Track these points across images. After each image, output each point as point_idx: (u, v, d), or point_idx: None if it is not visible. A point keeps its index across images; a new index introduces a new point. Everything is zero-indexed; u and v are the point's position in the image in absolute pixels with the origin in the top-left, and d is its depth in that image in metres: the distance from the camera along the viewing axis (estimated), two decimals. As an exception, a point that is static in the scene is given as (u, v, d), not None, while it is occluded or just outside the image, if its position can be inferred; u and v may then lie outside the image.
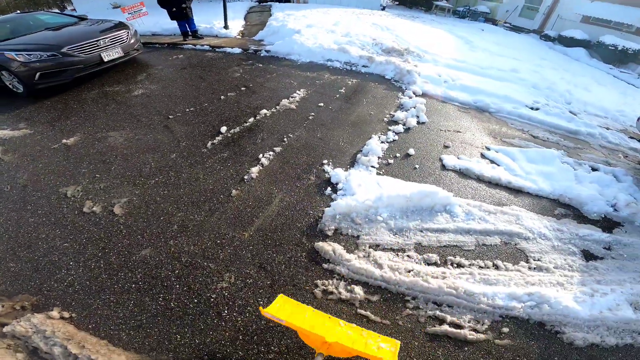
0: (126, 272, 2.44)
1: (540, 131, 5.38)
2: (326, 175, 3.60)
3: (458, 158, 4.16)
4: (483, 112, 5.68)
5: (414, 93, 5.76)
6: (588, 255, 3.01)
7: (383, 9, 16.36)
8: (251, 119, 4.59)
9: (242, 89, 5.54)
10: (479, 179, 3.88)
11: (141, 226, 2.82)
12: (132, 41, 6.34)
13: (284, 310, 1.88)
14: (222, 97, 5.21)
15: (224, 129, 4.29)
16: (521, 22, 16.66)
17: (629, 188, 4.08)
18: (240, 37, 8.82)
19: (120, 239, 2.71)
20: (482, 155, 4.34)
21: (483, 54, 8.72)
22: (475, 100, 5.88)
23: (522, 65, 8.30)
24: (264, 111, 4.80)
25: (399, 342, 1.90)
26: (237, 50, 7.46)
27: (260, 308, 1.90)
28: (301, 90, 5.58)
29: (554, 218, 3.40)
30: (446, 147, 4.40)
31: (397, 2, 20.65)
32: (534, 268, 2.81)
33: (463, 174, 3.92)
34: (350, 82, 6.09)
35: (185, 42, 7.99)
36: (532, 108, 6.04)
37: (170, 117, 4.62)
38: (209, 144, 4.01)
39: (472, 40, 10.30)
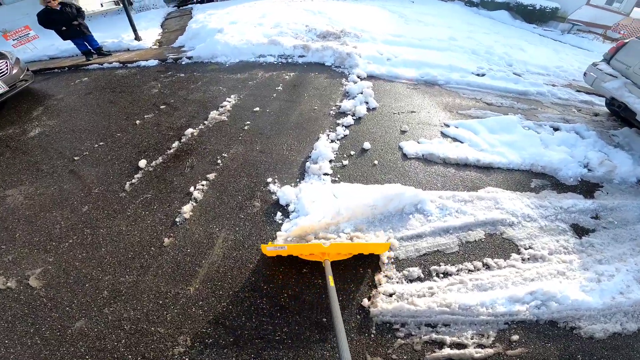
0: (68, 346, 2.11)
1: (493, 97, 5.20)
2: (273, 197, 2.98)
3: (418, 142, 3.74)
4: (432, 86, 5.38)
5: (358, 77, 5.28)
6: (579, 230, 2.76)
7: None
8: (175, 143, 3.79)
9: (162, 107, 4.66)
10: (445, 162, 3.50)
11: (66, 297, 2.38)
12: (16, 71, 5.13)
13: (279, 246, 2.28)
14: (137, 121, 4.31)
15: (143, 162, 3.48)
16: (446, -9, 17.03)
17: (595, 143, 3.96)
18: (157, 46, 7.73)
19: (47, 312, 2.31)
20: (443, 134, 3.98)
21: (418, 26, 8.52)
22: (422, 75, 5.55)
23: (456, 33, 8.23)
24: (190, 130, 4.01)
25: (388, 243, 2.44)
26: (153, 62, 6.44)
27: (262, 245, 2.31)
28: (232, 96, 4.83)
29: (532, 192, 3.14)
30: (403, 132, 3.97)
31: None
32: (528, 259, 2.47)
33: (427, 160, 3.51)
34: (287, 77, 5.45)
35: (89, 63, 6.78)
36: (478, 74, 5.87)
37: (75, 158, 3.70)
38: (127, 185, 3.22)
39: (405, 13, 10.13)
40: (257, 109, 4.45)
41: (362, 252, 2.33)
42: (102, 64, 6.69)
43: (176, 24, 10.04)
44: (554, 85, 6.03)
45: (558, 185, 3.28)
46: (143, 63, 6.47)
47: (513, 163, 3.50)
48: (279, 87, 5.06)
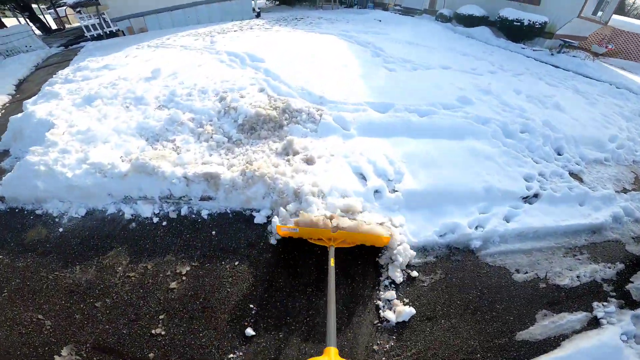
0: None
1: (560, 262, 2.87)
2: None
3: None
4: (463, 261, 2.74)
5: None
6: None
7: (257, 15, 12.90)
8: None
9: None
10: None
11: None
12: None
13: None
14: None
15: None
16: (410, 3, 14.89)
17: None
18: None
19: None
20: None
21: (404, 75, 5.83)
22: (441, 232, 2.89)
23: (461, 80, 5.72)
24: None
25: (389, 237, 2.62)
26: None
27: (278, 225, 2.67)
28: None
29: None
30: None
31: (277, 2, 17.32)
32: None
33: None
34: (175, 284, 2.50)
35: None
36: (526, 197, 3.39)
37: None
38: None
39: (381, 46, 7.45)
40: None
41: (365, 243, 2.59)
42: None
43: (45, 78, 6.70)
44: (625, 191, 3.76)
45: None
46: None
47: None
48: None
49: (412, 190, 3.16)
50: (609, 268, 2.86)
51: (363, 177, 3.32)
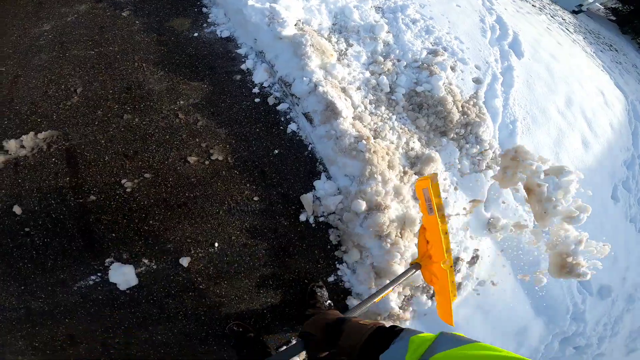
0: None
1: None
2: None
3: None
4: None
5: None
6: None
7: (577, 12, 9.61)
8: None
9: None
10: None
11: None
12: None
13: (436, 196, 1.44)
14: None
15: None
16: None
17: None
18: None
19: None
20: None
21: None
22: None
23: None
24: None
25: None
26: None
27: (432, 176, 1.51)
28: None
29: None
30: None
31: (610, 12, 12.52)
32: None
33: None
34: (187, 166, 2.30)
35: None
36: None
37: None
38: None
39: None
40: None
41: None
42: None
43: None
44: None
45: None
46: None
47: None
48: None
49: None
50: None
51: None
